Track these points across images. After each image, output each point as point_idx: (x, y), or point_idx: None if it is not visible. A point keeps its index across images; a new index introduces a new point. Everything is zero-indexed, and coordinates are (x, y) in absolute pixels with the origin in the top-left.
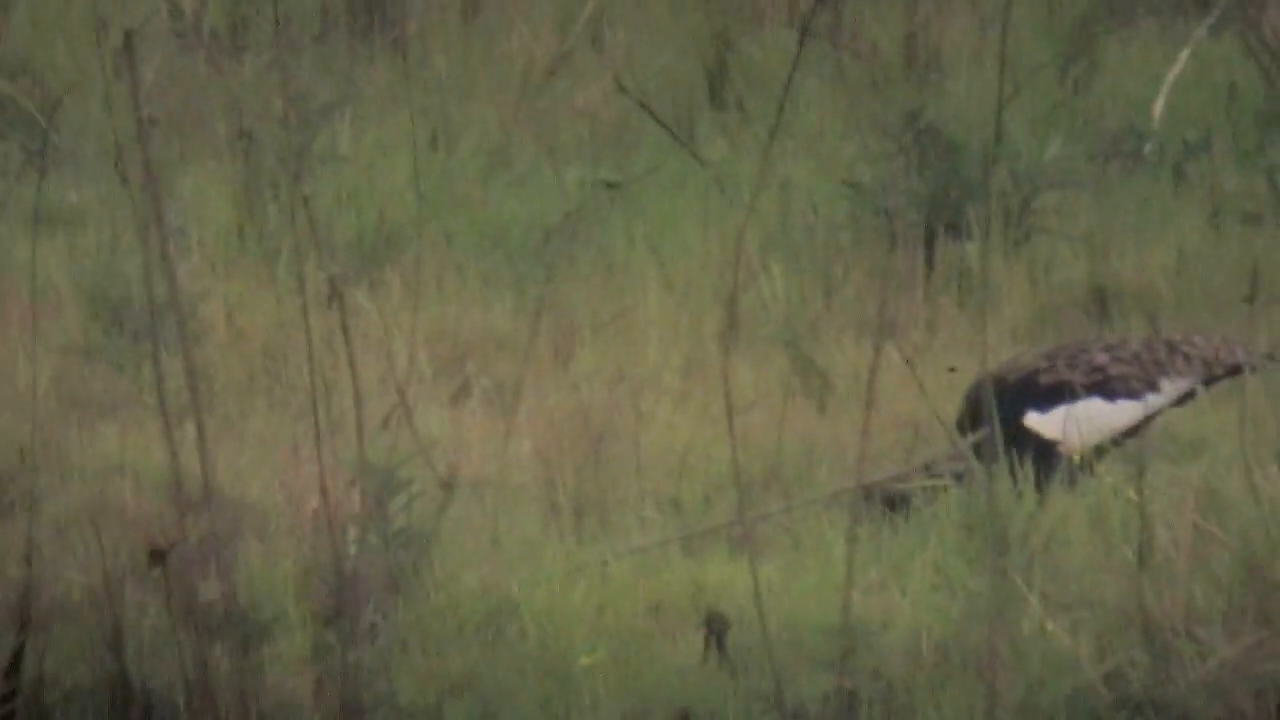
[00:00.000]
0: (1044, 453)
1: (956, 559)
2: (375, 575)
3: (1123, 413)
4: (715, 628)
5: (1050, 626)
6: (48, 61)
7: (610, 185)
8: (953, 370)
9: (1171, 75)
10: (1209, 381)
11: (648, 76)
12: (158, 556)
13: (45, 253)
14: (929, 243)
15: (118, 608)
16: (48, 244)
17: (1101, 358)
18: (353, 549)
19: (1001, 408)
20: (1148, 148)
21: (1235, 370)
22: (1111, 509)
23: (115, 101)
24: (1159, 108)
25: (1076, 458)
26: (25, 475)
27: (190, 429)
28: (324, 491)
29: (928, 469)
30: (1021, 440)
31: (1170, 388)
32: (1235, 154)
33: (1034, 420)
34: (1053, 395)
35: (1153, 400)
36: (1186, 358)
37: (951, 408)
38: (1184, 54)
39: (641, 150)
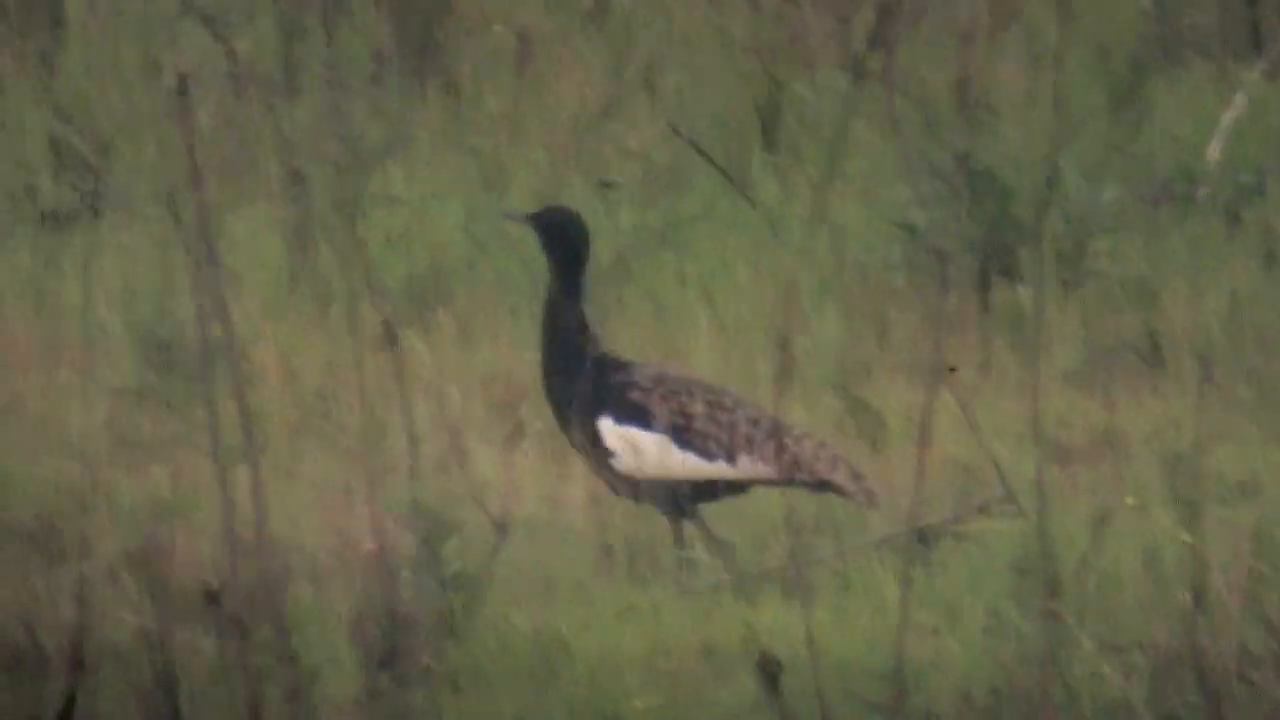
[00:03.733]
0: (600, 455)
1: (1008, 601)
2: (428, 617)
3: (683, 463)
4: (768, 670)
5: (1103, 669)
6: (101, 104)
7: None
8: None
9: (1226, 118)
10: (789, 482)
11: (700, 119)
12: (210, 598)
13: (98, 294)
14: (982, 285)
15: (170, 650)
16: (101, 286)
17: (698, 407)
18: (405, 591)
19: (587, 400)
20: (1200, 191)
21: (822, 485)
22: (1165, 551)
23: (169, 144)
24: (1214, 151)
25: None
26: (78, 517)
27: (243, 471)
28: (377, 533)
29: (981, 511)
30: (591, 434)
31: (747, 467)
32: None
33: (604, 424)
34: (633, 413)
35: (720, 468)
36: (780, 449)
37: (1005, 449)
38: (1238, 97)
39: (694, 192)
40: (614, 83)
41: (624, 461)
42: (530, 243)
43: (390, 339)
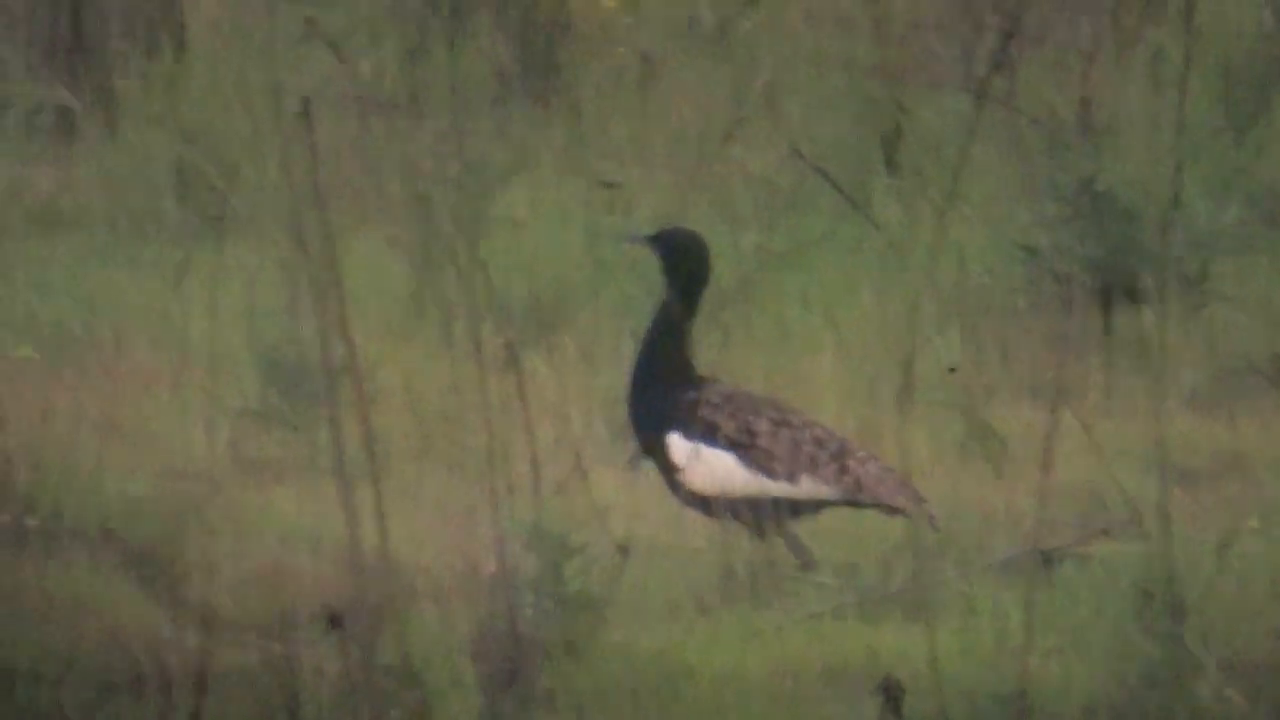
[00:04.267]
0: (668, 470)
1: (1133, 624)
2: (550, 639)
3: (746, 481)
4: (891, 693)
5: (1227, 692)
6: (225, 127)
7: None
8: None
9: None
10: (852, 504)
11: (823, 142)
12: (334, 620)
13: (223, 317)
14: (1105, 307)
15: (294, 672)
16: (226, 308)
17: (763, 426)
18: (528, 613)
19: (660, 415)
20: None
21: (888, 508)
22: None
23: (292, 166)
24: None
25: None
26: (202, 539)
27: (367, 493)
28: (499, 555)
29: (1105, 534)
30: (659, 451)
31: (810, 487)
32: None
33: (672, 439)
34: (700, 429)
35: (783, 487)
36: (843, 471)
37: (1129, 471)
38: None
39: (816, 215)
40: (737, 105)
41: (690, 478)
42: (653, 265)
43: (512, 361)
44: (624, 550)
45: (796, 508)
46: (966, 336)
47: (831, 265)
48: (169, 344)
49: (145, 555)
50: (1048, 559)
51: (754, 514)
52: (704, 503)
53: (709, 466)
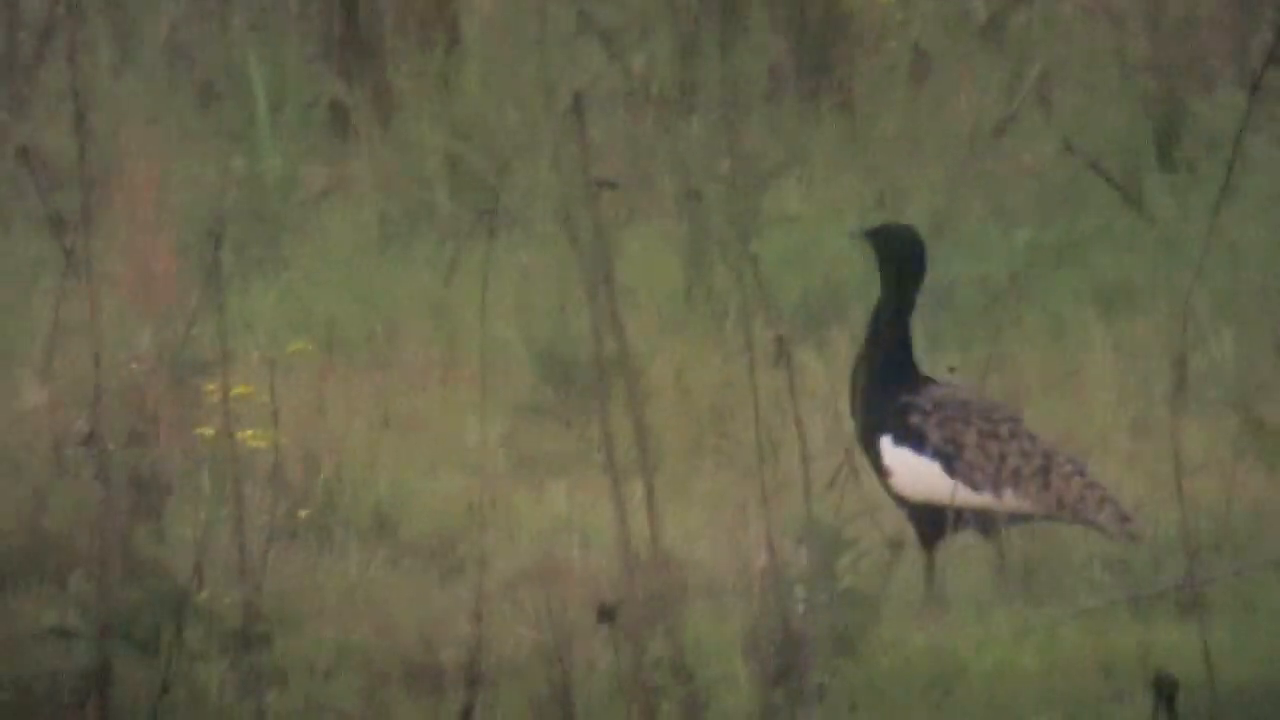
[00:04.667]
0: (879, 473)
1: None
2: (822, 635)
3: (951, 490)
4: (1165, 690)
5: None
6: (498, 122)
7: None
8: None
9: None
10: (1050, 518)
11: (1096, 136)
12: (606, 614)
13: (495, 312)
14: None
15: (566, 665)
16: (498, 303)
17: (970, 437)
18: (800, 608)
19: (876, 416)
20: None
21: (1086, 523)
22: None
23: (564, 162)
24: None
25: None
26: (475, 533)
27: (638, 487)
28: (771, 550)
29: None
30: (873, 452)
31: (1011, 501)
32: None
33: (884, 443)
34: (909, 435)
35: (986, 500)
36: (1045, 486)
37: None
38: None
39: (1089, 210)
40: (1009, 99)
41: (898, 482)
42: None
43: (784, 356)
44: (896, 545)
45: (1000, 519)
46: (1240, 332)
47: (1104, 261)
48: (443, 339)
49: (418, 548)
50: None
51: (945, 523)
52: (911, 509)
53: (915, 473)
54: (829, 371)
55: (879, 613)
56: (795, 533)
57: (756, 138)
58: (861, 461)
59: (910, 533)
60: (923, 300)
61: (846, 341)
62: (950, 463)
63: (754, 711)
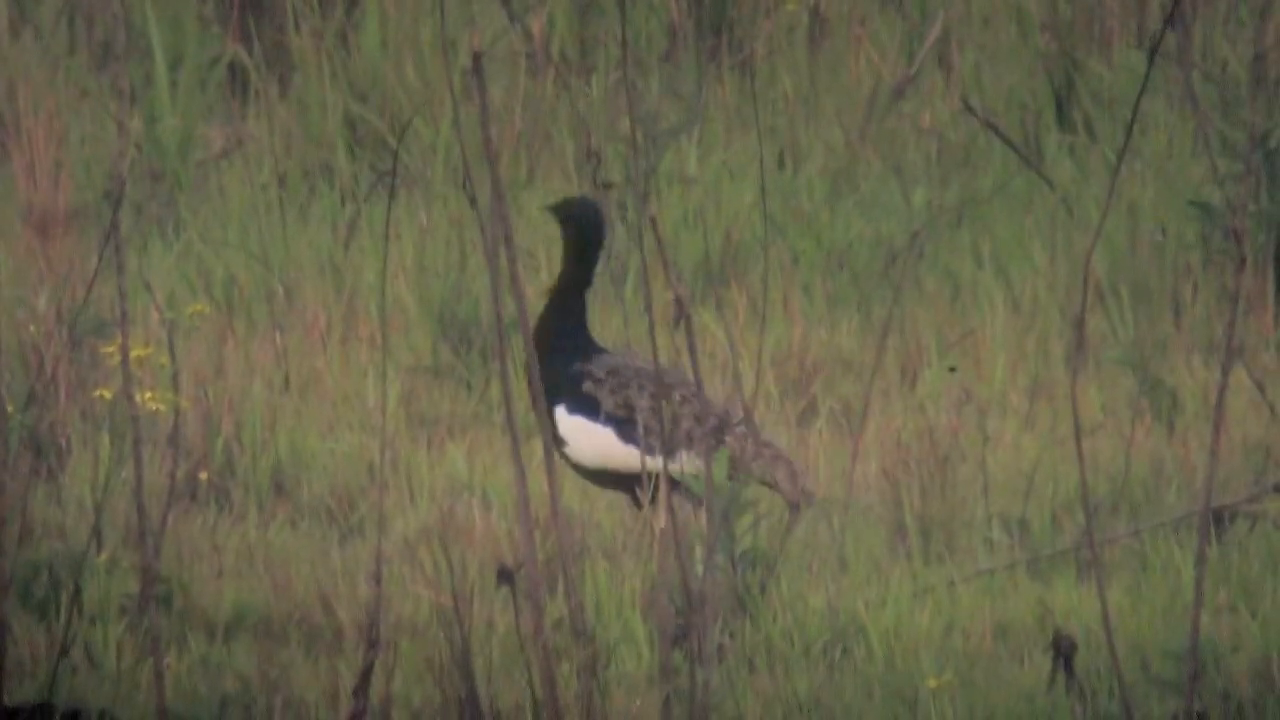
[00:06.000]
0: (555, 442)
1: None
2: (722, 595)
3: (625, 456)
4: (1063, 650)
5: None
6: (398, 82)
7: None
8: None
9: None
10: (728, 479)
11: (995, 97)
12: (506, 575)
13: (395, 273)
14: (1278, 263)
15: (466, 626)
16: (397, 264)
17: (644, 401)
18: (699, 569)
19: (552, 385)
20: None
21: (761, 481)
22: None
23: (464, 122)
24: None
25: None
26: (374, 494)
27: (537, 447)
28: (671, 511)
29: (1277, 491)
30: (549, 421)
31: (686, 462)
32: None
33: (559, 412)
34: (583, 402)
35: (660, 462)
36: (718, 445)
37: None
38: None
39: (988, 171)
40: (908, 60)
41: (574, 450)
42: (823, 221)
43: (683, 317)
44: (795, 507)
45: (673, 482)
46: (1139, 293)
47: (1003, 221)
48: (342, 300)
49: (317, 509)
50: (1219, 517)
51: (633, 487)
52: (588, 475)
53: (590, 440)
54: (728, 333)
55: (778, 573)
56: (695, 493)
57: (655, 98)
58: (763, 422)
59: (810, 493)
60: (820, 261)
61: (745, 303)
62: (623, 428)
63: (653, 672)
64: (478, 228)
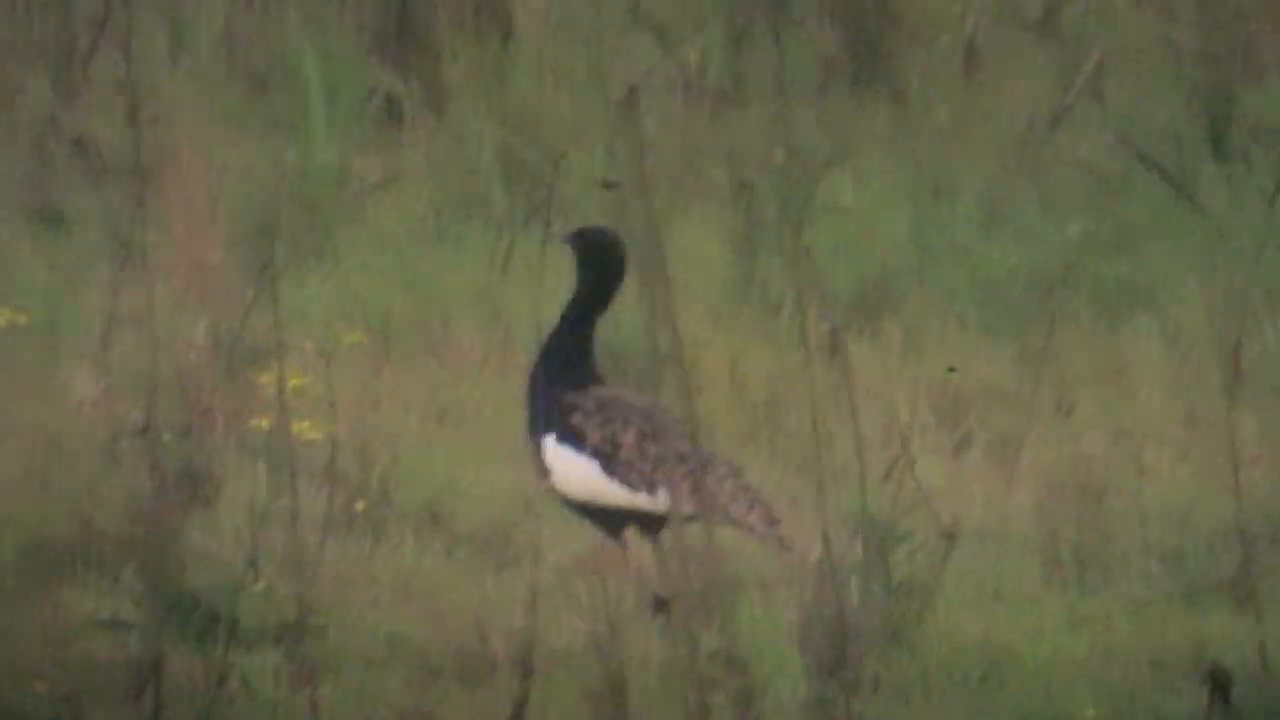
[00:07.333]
0: (541, 473)
1: None
2: (876, 625)
3: (608, 490)
4: (1219, 682)
5: None
6: (551, 114)
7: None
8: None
9: None
10: (703, 518)
11: (1149, 128)
12: (659, 606)
13: (549, 303)
14: None
15: (619, 657)
16: (551, 295)
17: (629, 437)
18: (854, 599)
19: (543, 415)
20: None
21: (735, 524)
22: None
23: (618, 153)
24: None
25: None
26: (529, 524)
27: None
28: (826, 542)
29: None
30: (537, 450)
31: (664, 500)
32: None
33: (546, 443)
34: (570, 434)
35: (642, 499)
36: (697, 486)
37: None
38: None
39: (1142, 202)
40: (1062, 91)
41: (558, 481)
42: (977, 251)
43: (837, 347)
44: (949, 537)
45: (656, 519)
46: None
47: (1157, 252)
48: (495, 330)
49: (472, 539)
50: None
51: (613, 522)
52: (574, 507)
53: (574, 472)
54: (883, 363)
55: (932, 604)
56: (849, 525)
57: (808, 129)
58: (917, 453)
59: (963, 525)
60: (975, 291)
61: (900, 333)
62: (607, 462)
63: (807, 703)
64: (632, 258)
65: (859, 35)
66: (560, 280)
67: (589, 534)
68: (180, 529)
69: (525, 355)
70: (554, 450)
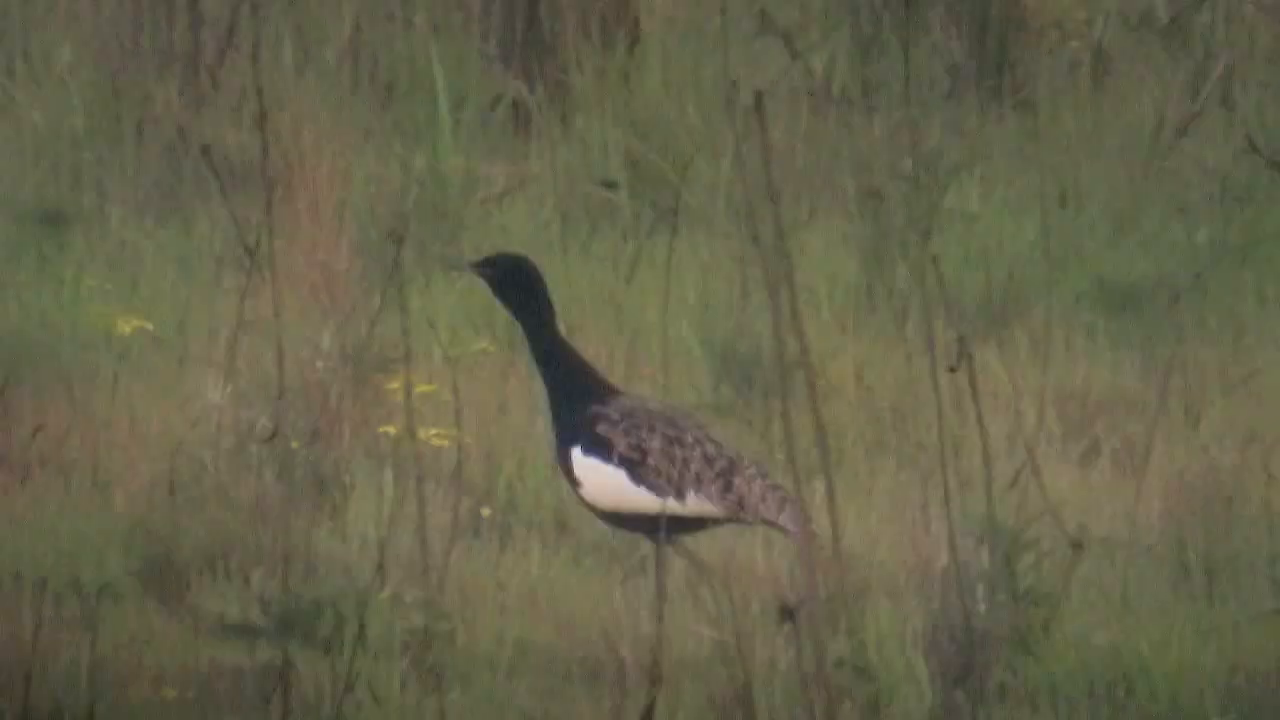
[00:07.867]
0: (571, 484)
1: None
2: (1004, 634)
3: (637, 497)
4: None
5: None
6: (678, 121)
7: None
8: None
9: None
10: (734, 520)
11: (1278, 135)
12: (788, 613)
13: (676, 310)
14: None
15: (747, 664)
16: (679, 302)
17: (655, 444)
18: (981, 607)
19: (568, 430)
20: None
21: (768, 523)
22: None
23: (746, 160)
24: None
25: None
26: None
27: (819, 486)
28: (953, 549)
29: None
30: (565, 464)
31: (693, 504)
32: None
33: (574, 453)
34: (597, 444)
35: (670, 504)
36: (726, 489)
37: None
38: None
39: (1272, 209)
40: (1191, 98)
41: (588, 492)
42: (1106, 259)
43: (965, 355)
44: (1078, 545)
45: (687, 524)
46: None
47: None
48: (622, 337)
49: (599, 547)
50: None
51: (650, 529)
52: (604, 516)
53: (603, 482)
54: (1010, 371)
55: (1060, 612)
56: (976, 532)
57: (937, 136)
58: (1044, 461)
59: (1090, 533)
60: (1102, 300)
61: (1028, 341)
62: (635, 470)
63: (934, 711)
64: (759, 265)
65: (986, 42)
66: (687, 288)
67: (715, 542)
68: (308, 535)
69: (651, 363)
70: (582, 462)
